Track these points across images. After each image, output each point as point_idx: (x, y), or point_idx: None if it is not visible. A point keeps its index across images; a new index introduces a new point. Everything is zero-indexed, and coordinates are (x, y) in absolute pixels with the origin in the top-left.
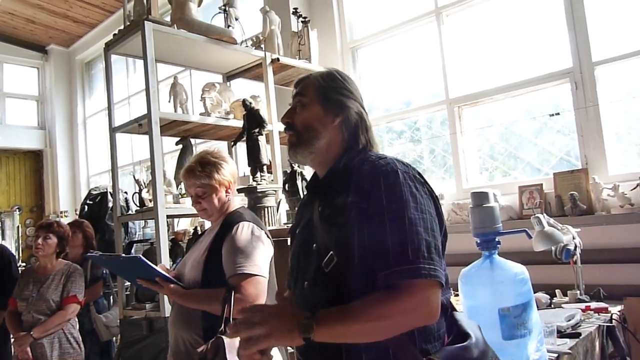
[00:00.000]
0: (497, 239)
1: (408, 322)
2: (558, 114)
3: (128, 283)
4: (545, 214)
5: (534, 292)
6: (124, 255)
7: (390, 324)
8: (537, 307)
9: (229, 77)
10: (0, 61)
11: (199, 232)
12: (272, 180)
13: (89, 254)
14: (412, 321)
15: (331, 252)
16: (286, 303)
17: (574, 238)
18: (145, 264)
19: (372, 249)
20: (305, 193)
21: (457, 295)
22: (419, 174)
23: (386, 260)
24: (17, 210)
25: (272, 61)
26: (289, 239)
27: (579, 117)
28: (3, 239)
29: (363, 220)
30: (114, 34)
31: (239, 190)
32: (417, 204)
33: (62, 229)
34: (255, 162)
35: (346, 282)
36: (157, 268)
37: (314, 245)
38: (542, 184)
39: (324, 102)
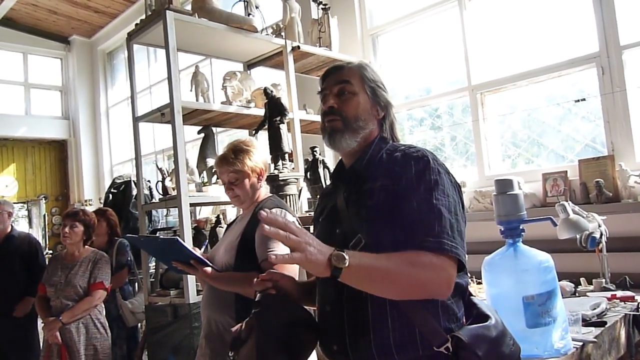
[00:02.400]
0: (521, 227)
1: (426, 286)
2: (584, 99)
3: (152, 270)
4: (570, 202)
5: (559, 281)
6: (162, 237)
7: (412, 280)
8: (562, 295)
9: (250, 65)
10: (24, 52)
11: (222, 220)
12: (294, 168)
13: (128, 235)
14: (430, 286)
15: (358, 235)
16: None
17: (599, 226)
18: (182, 246)
19: (399, 226)
20: (329, 182)
21: (480, 283)
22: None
23: (412, 235)
24: (43, 199)
25: (293, 49)
26: (311, 227)
27: (605, 102)
28: (30, 227)
29: (392, 201)
30: (136, 24)
31: None
32: (443, 187)
33: (88, 217)
34: (276, 150)
35: None
36: (193, 250)
37: (337, 230)
38: (566, 171)
39: (372, 95)
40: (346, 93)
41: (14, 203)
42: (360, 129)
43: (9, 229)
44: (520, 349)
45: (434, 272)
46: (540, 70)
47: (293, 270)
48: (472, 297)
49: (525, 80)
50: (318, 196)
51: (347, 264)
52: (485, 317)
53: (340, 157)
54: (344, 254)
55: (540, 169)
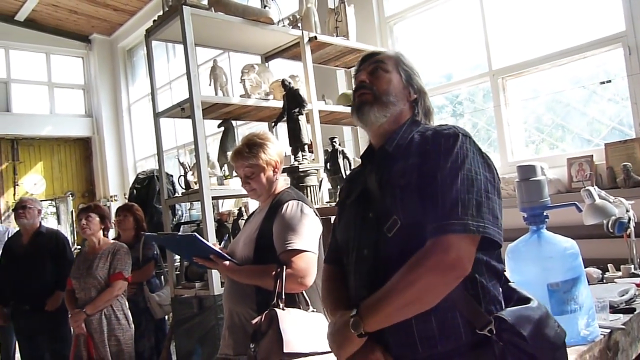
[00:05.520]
0: (545, 213)
1: (438, 280)
2: (610, 81)
3: (177, 263)
4: (596, 187)
5: (585, 267)
6: (180, 234)
7: (421, 287)
8: (589, 282)
9: (267, 57)
10: (47, 53)
11: (244, 213)
12: (314, 159)
13: (147, 233)
14: (442, 276)
15: (394, 217)
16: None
17: (627, 211)
18: (200, 242)
19: (428, 204)
20: (349, 172)
21: (504, 271)
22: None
23: (436, 214)
24: (70, 195)
25: (310, 40)
26: (332, 218)
27: (632, 83)
28: (59, 223)
29: (422, 180)
30: (154, 20)
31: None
32: (471, 165)
33: (100, 209)
34: (296, 142)
35: (409, 243)
36: (212, 245)
37: (370, 213)
38: (592, 155)
39: (406, 78)
40: (379, 70)
41: (42, 200)
42: (391, 104)
43: (38, 226)
44: (566, 333)
45: (434, 267)
46: (563, 52)
47: (312, 262)
48: (510, 283)
49: (548, 63)
50: (341, 183)
51: (363, 328)
52: (527, 300)
53: (369, 141)
54: (359, 319)
55: (565, 154)
